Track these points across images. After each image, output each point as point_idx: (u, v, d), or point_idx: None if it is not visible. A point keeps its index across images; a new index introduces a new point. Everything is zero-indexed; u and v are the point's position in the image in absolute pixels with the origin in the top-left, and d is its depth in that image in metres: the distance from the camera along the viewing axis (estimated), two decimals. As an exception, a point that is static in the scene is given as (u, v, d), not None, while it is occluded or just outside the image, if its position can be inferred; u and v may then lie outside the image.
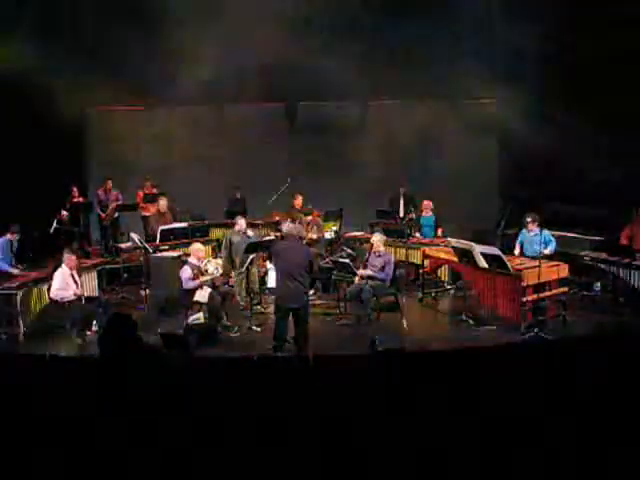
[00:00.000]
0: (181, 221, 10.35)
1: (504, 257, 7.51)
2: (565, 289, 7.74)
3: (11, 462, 3.05)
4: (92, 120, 12.77)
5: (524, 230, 8.39)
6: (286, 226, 7.62)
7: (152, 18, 10.27)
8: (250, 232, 8.97)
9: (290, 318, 6.67)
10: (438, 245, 9.39)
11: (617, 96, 9.21)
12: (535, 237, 8.11)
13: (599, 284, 8.92)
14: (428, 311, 8.93)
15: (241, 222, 8.98)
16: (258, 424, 3.22)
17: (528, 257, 8.11)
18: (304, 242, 9.30)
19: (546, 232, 8.13)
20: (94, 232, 12.29)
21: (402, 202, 11.21)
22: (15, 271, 8.46)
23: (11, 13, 9.81)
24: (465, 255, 7.95)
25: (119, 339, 3.50)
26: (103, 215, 11.55)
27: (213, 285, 7.88)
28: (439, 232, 10.11)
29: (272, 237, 9.31)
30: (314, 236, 9.44)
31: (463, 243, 8.11)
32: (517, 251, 8.43)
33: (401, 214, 11.08)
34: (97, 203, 11.72)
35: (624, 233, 8.75)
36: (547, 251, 7.98)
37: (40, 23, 9.98)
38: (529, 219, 8.25)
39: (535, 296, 7.40)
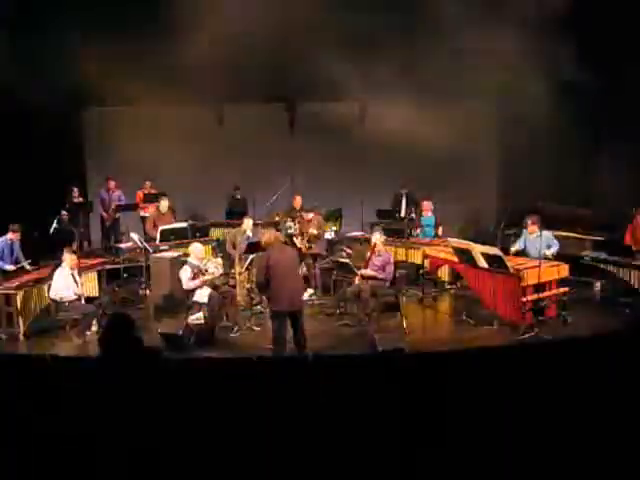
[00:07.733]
0: (181, 221, 10.36)
1: (504, 257, 7.50)
2: (565, 289, 7.73)
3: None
4: (92, 120, 12.76)
5: (525, 231, 8.26)
6: (264, 237, 6.89)
7: (152, 17, 10.25)
8: (249, 233, 9.06)
9: (287, 321, 6.63)
10: (438, 245, 9.39)
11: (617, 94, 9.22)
12: (536, 239, 8.04)
13: (599, 284, 8.91)
14: (428, 311, 8.93)
15: (248, 222, 9.19)
16: (258, 424, 3.22)
17: (532, 259, 8.01)
18: (304, 239, 9.35)
19: (547, 233, 8.03)
20: (94, 232, 12.29)
21: (404, 202, 11.21)
22: (11, 267, 8.45)
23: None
24: (465, 255, 7.94)
25: (119, 339, 3.50)
26: (106, 215, 11.55)
27: (213, 285, 7.89)
28: (439, 232, 10.11)
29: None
30: (315, 232, 9.42)
31: (463, 243, 8.10)
32: (513, 248, 8.25)
33: (402, 214, 11.07)
34: (99, 203, 11.73)
35: (626, 233, 8.74)
36: (549, 253, 7.87)
37: (38, 22, 9.97)
38: (529, 220, 8.12)
39: (535, 296, 7.39)
